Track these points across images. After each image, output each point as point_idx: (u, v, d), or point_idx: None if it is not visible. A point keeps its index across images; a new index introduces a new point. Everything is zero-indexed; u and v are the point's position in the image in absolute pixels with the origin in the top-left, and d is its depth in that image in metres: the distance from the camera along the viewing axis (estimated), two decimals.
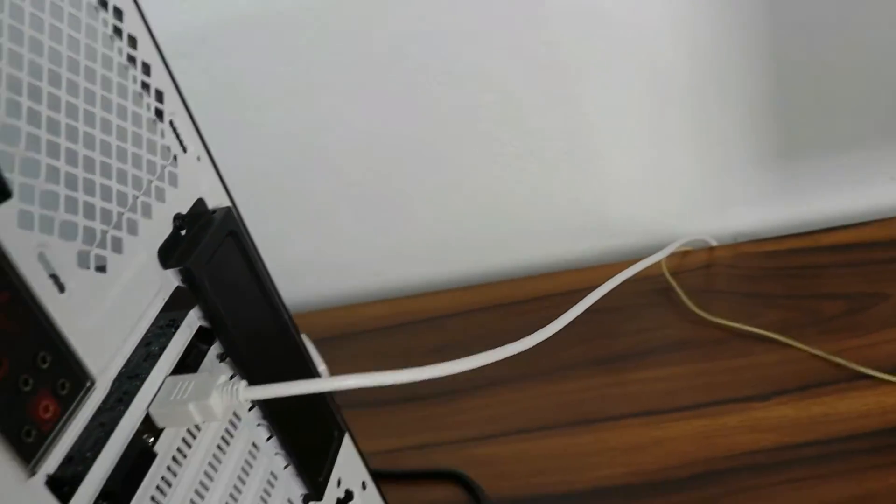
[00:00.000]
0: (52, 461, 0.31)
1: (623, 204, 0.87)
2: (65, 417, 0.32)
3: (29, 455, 0.30)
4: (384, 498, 0.59)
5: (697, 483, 0.61)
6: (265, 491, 0.45)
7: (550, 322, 0.54)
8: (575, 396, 0.71)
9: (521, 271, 0.92)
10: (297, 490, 0.47)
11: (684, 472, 0.62)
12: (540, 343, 0.52)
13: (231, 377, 0.39)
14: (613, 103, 0.82)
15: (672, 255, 0.81)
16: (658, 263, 0.79)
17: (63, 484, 0.32)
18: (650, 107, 0.82)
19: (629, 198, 0.87)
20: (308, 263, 0.94)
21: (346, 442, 0.53)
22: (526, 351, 0.48)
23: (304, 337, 0.50)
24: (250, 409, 0.44)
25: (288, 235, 0.93)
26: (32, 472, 0.30)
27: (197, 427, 0.40)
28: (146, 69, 0.40)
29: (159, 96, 0.41)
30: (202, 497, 0.40)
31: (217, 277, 0.41)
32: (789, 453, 0.61)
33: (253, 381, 0.39)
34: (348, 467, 0.53)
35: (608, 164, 0.85)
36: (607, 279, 0.71)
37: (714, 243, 0.84)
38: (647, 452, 0.64)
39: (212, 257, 0.41)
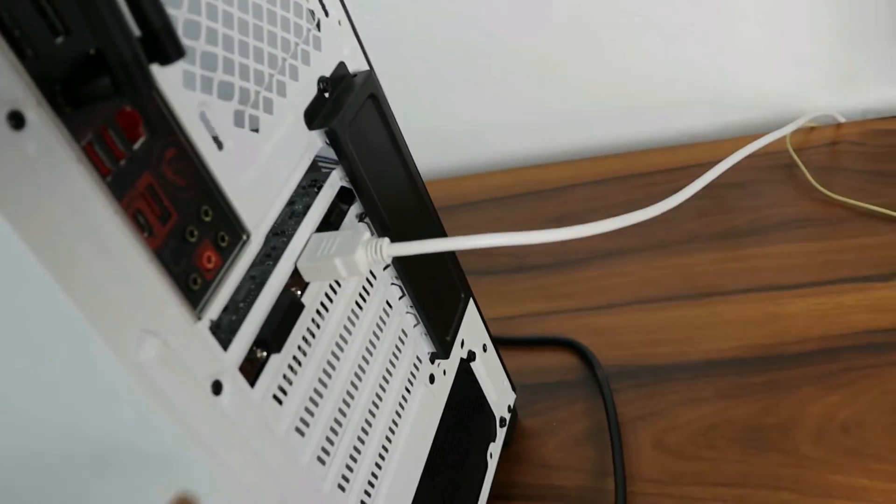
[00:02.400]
0: (215, 308, 0.33)
1: (746, 77, 0.85)
2: (225, 267, 0.34)
3: (196, 300, 0.32)
4: (502, 360, 0.61)
5: (812, 359, 0.61)
6: (396, 347, 0.47)
7: (672, 195, 0.54)
8: (691, 270, 0.71)
9: (640, 144, 0.91)
10: (424, 348, 0.50)
11: (799, 347, 0.62)
12: (658, 216, 0.52)
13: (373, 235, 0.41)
14: None
15: (796, 132, 0.80)
16: (782, 139, 0.78)
17: (222, 330, 0.35)
18: None
19: (752, 71, 0.85)
20: (431, 132, 0.95)
21: (471, 306, 0.55)
22: (644, 224, 0.49)
23: None
24: (385, 268, 0.46)
25: (414, 102, 0.94)
26: (199, 317, 0.32)
27: (338, 283, 0.42)
28: None
29: None
30: (341, 349, 0.42)
31: (358, 138, 0.42)
32: None
33: (393, 240, 0.41)
34: (471, 330, 0.55)
35: (732, 36, 0.83)
36: (728, 154, 0.70)
37: (841, 119, 0.81)
38: (763, 327, 0.65)
39: (354, 118, 0.42)
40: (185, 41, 0.33)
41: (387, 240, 0.39)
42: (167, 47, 0.27)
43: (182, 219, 0.32)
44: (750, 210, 0.75)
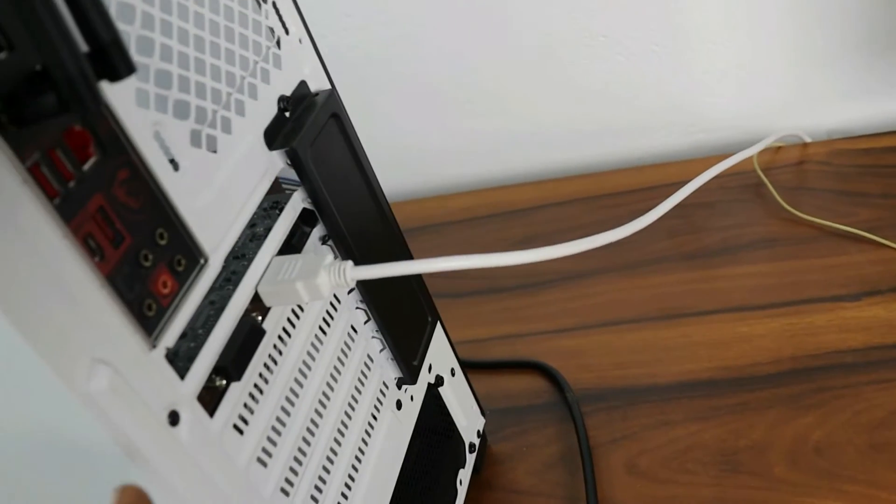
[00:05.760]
0: (171, 335, 0.32)
1: (713, 97, 0.85)
2: (182, 292, 0.32)
3: (150, 328, 0.31)
4: (471, 385, 0.59)
5: (782, 380, 0.61)
6: (362, 373, 0.45)
7: (640, 215, 0.54)
8: (661, 291, 0.71)
9: (608, 165, 0.91)
10: (391, 373, 0.48)
11: (770, 368, 0.62)
12: (628, 237, 0.51)
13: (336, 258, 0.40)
14: None
15: (764, 152, 0.79)
16: (749, 160, 0.78)
17: (180, 358, 0.33)
18: None
19: (720, 91, 0.85)
20: (393, 154, 0.94)
21: (438, 329, 0.54)
22: (613, 245, 0.48)
23: None
24: (350, 291, 0.45)
25: (376, 124, 0.93)
26: (153, 345, 0.31)
27: (300, 308, 0.41)
28: None
29: None
30: (305, 376, 0.41)
31: (320, 159, 0.41)
32: (878, 353, 0.61)
33: (357, 263, 0.40)
34: (439, 354, 0.54)
35: (699, 56, 0.83)
36: (696, 174, 0.70)
37: (808, 139, 0.81)
38: (733, 348, 0.64)
39: (316, 138, 0.41)
40: (138, 58, 0.32)
41: (350, 263, 0.38)
42: (116, 63, 0.26)
43: (136, 242, 0.30)
44: (719, 230, 0.75)
